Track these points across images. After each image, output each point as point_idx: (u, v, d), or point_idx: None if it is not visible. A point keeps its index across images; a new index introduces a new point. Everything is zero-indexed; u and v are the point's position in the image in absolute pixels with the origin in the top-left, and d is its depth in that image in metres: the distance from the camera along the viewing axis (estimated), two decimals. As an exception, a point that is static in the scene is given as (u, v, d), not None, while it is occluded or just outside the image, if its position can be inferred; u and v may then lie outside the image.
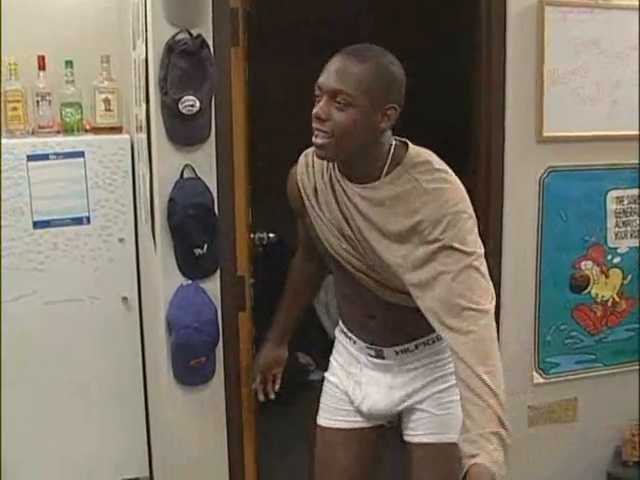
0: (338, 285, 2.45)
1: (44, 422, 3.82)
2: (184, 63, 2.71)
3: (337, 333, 2.58)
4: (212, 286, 2.93)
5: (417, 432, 2.37)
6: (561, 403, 3.36)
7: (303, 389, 4.91)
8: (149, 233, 3.22)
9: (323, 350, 5.27)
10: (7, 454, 3.80)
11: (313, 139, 2.10)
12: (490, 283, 2.08)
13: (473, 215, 2.10)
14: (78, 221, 3.72)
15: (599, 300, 3.34)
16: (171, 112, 2.74)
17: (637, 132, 3.24)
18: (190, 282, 2.89)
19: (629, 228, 3.32)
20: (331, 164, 2.24)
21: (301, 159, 2.37)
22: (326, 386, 2.62)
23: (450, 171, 2.15)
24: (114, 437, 3.92)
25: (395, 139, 2.18)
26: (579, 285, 3.30)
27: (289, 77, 4.87)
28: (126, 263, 3.81)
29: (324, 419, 2.57)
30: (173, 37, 2.73)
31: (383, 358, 2.38)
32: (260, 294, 3.18)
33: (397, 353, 2.35)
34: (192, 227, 2.79)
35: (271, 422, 3.81)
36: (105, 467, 3.93)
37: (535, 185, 3.18)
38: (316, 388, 4.90)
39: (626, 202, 3.30)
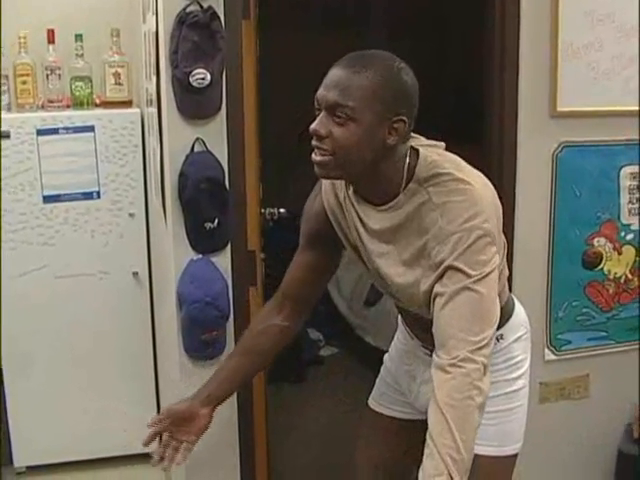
0: None
1: (54, 396, 3.84)
2: (195, 36, 2.69)
3: (399, 319, 2.42)
4: (223, 260, 2.93)
5: None
6: (572, 380, 3.35)
7: (313, 365, 4.94)
8: (159, 207, 3.21)
9: (333, 326, 5.33)
10: (18, 428, 3.83)
11: (312, 156, 1.89)
12: (494, 306, 1.85)
13: (491, 230, 1.84)
14: (88, 196, 3.73)
15: (612, 277, 3.32)
16: (182, 85, 2.72)
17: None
18: (201, 256, 2.89)
19: (643, 204, 3.30)
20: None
21: None
22: (382, 368, 2.50)
23: (472, 177, 1.92)
24: (124, 412, 3.93)
25: (408, 150, 1.96)
26: (592, 261, 3.28)
27: (301, 50, 4.85)
28: (136, 238, 3.82)
29: (373, 400, 2.47)
30: (184, 9, 2.71)
31: None
32: (271, 269, 3.17)
33: None
34: (203, 201, 2.78)
35: (282, 397, 3.82)
36: (115, 442, 3.95)
37: (548, 160, 3.15)
38: (326, 364, 4.98)
39: (640, 178, 3.28)
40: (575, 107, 3.12)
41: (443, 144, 2.04)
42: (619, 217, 3.27)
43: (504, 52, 3.05)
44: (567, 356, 3.32)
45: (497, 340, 2.16)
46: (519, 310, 2.29)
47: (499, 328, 2.16)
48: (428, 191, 1.89)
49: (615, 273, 3.32)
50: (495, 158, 3.13)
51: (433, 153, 1.95)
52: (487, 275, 1.82)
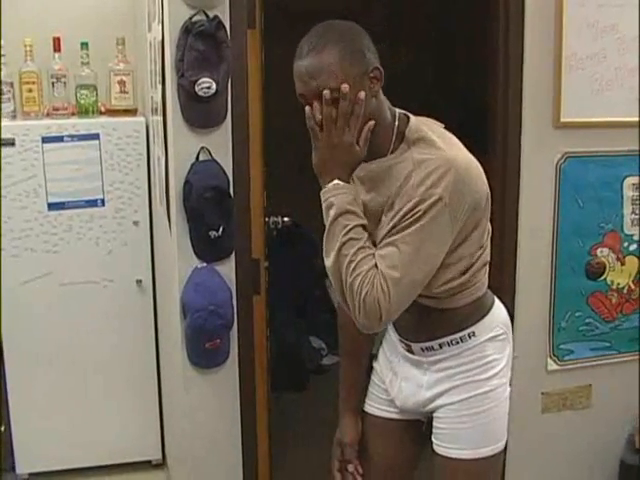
0: None
1: (56, 403, 3.84)
2: (201, 45, 2.70)
3: None
4: (227, 269, 2.93)
5: (436, 441, 2.26)
6: (575, 390, 3.35)
7: (316, 374, 4.93)
8: (164, 216, 3.22)
9: (336, 334, 5.31)
10: (21, 435, 3.83)
11: None
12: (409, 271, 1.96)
13: (447, 198, 1.93)
14: (93, 203, 3.73)
15: (614, 287, 3.32)
16: (187, 94, 2.74)
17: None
18: (205, 265, 2.89)
19: (646, 215, 3.31)
20: None
21: None
22: (372, 372, 2.52)
23: (457, 149, 2.05)
24: (127, 420, 3.94)
25: (399, 112, 2.11)
26: (595, 272, 3.28)
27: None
28: (141, 246, 3.82)
29: (365, 403, 2.49)
30: (190, 19, 2.72)
31: (413, 353, 2.29)
32: (274, 278, 3.17)
33: (423, 350, 2.25)
34: (207, 210, 2.79)
35: (284, 406, 3.82)
36: (117, 450, 3.95)
37: (552, 171, 3.16)
38: (329, 372, 4.97)
39: (643, 189, 3.28)
40: (578, 118, 3.13)
41: (442, 125, 2.16)
42: (622, 228, 3.28)
43: (508, 63, 3.07)
44: (570, 366, 3.32)
45: (468, 337, 2.19)
46: (498, 310, 2.29)
47: (471, 325, 2.20)
48: (412, 151, 2.02)
49: (618, 283, 3.33)
50: (499, 169, 3.13)
51: (424, 123, 2.10)
52: (423, 247, 1.95)
